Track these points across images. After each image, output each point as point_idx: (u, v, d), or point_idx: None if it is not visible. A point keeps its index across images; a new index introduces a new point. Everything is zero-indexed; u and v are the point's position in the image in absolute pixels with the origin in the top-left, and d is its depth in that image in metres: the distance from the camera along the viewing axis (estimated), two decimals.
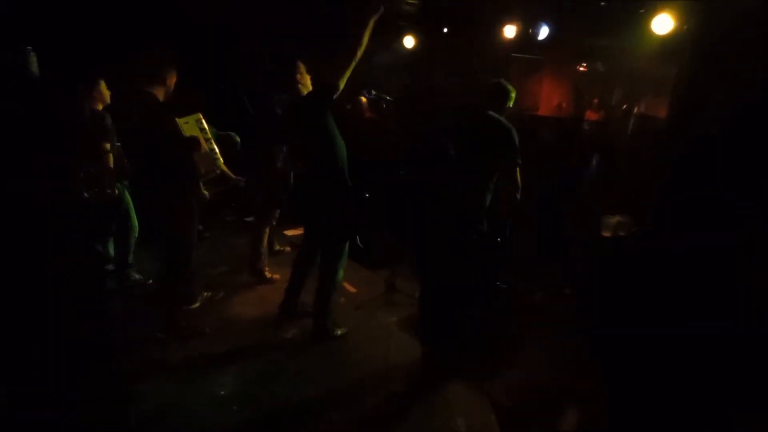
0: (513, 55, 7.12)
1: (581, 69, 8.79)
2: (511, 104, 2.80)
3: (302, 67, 2.97)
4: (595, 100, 8.61)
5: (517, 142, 2.54)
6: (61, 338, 1.79)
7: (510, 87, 2.80)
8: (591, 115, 8.28)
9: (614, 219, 2.90)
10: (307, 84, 2.97)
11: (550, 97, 8.76)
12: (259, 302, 3.74)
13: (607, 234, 2.92)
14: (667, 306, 2.49)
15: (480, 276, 2.75)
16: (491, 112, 2.66)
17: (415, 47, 6.10)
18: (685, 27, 3.62)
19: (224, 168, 3.45)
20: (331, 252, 3.12)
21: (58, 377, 1.81)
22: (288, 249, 4.77)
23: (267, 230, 4.08)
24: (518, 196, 2.55)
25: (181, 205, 2.97)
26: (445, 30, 5.69)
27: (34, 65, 1.88)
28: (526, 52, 7.34)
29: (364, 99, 4.47)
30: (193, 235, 3.11)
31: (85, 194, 2.14)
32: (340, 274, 3.17)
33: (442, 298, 2.89)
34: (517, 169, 2.54)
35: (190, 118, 3.18)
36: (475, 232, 2.67)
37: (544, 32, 5.01)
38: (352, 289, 3.95)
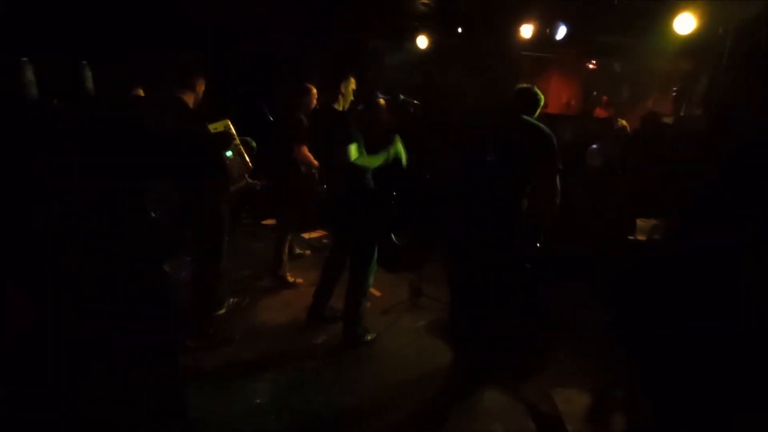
0: (524, 53, 7.11)
1: (591, 66, 8.79)
2: (538, 111, 2.79)
3: (352, 81, 2.97)
4: (604, 98, 8.62)
5: (556, 148, 2.53)
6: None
7: (539, 93, 2.80)
8: (600, 113, 8.28)
9: (649, 222, 2.89)
10: (348, 95, 2.96)
11: (559, 95, 8.75)
12: (284, 307, 3.73)
13: (641, 238, 2.91)
14: (704, 309, 2.49)
15: (517, 281, 2.74)
16: (527, 117, 2.64)
17: (428, 47, 6.08)
18: (715, 27, 3.60)
19: (251, 168, 3.45)
20: (360, 257, 3.11)
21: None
22: (308, 252, 4.76)
23: (290, 236, 4.06)
24: (557, 202, 2.54)
25: (215, 211, 2.95)
26: (460, 30, 5.67)
27: (89, 79, 1.86)
28: (536, 50, 7.33)
29: (382, 101, 4.45)
30: (224, 241, 3.10)
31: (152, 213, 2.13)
32: (370, 279, 3.16)
33: (477, 303, 2.88)
34: (557, 174, 2.53)
35: (219, 124, 3.17)
36: (513, 237, 2.66)
37: (561, 32, 4.99)
38: (377, 293, 3.94)
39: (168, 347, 2.24)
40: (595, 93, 8.83)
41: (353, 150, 2.76)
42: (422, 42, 6.00)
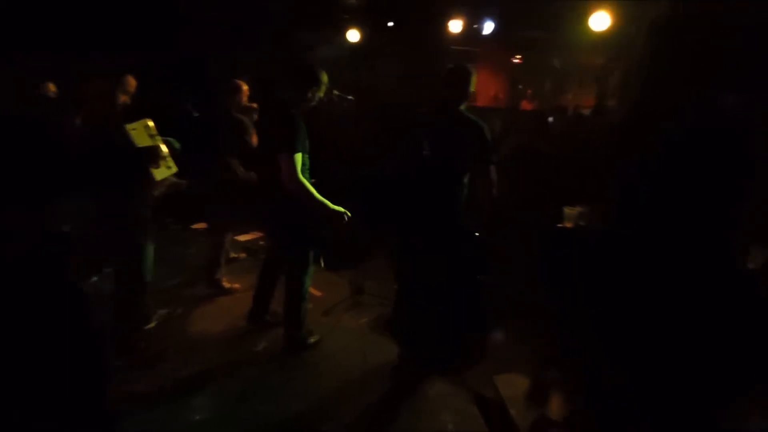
0: (452, 48, 7.24)
1: (516, 61, 9.13)
2: (473, 88, 2.72)
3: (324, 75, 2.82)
4: (529, 91, 8.99)
5: (490, 140, 2.57)
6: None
7: (471, 69, 2.71)
8: (526, 105, 8.64)
9: (575, 210, 3.03)
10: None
11: (487, 88, 9.02)
12: (221, 315, 3.56)
13: (568, 225, 3.05)
14: (626, 296, 2.65)
15: (458, 272, 2.77)
16: (462, 109, 2.65)
17: (360, 42, 6.02)
18: (628, 25, 3.83)
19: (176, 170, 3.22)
20: (298, 259, 3.02)
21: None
22: (243, 255, 4.58)
23: (225, 238, 3.88)
24: (494, 192, 2.58)
25: (136, 218, 2.75)
26: (390, 24, 5.66)
27: None
28: (464, 45, 7.49)
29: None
30: (147, 250, 2.90)
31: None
32: (307, 282, 3.08)
33: (420, 297, 2.89)
34: (492, 166, 2.57)
35: (138, 124, 2.93)
36: (452, 229, 2.68)
37: (489, 27, 5.12)
38: (317, 293, 3.86)
39: (92, 369, 2.06)
40: (520, 86, 9.19)
41: (299, 160, 2.69)
42: (353, 36, 5.93)
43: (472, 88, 2.66)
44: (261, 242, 5.02)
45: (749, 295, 2.39)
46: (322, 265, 3.32)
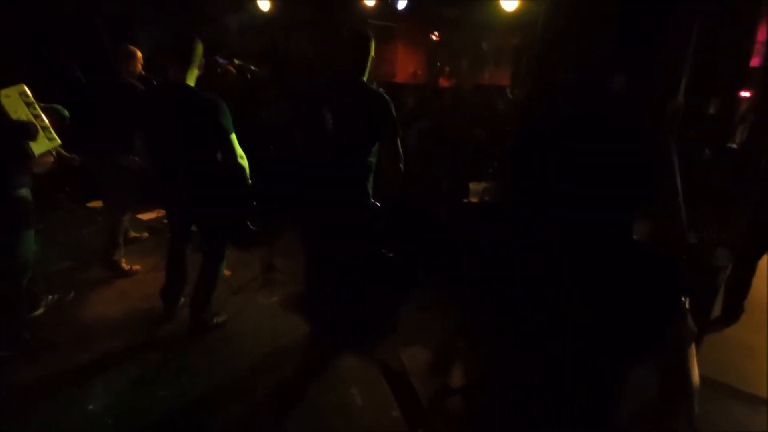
0: (369, 21, 7.17)
1: (434, 38, 9.22)
2: (372, 54, 2.68)
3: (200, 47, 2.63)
4: (447, 68, 9.16)
5: (395, 113, 2.57)
6: None
7: (369, 34, 2.66)
8: (443, 82, 8.80)
9: (480, 185, 3.16)
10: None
11: (405, 65, 9.06)
12: (119, 299, 3.35)
13: (474, 200, 3.18)
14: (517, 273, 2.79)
15: (366, 247, 2.81)
16: (364, 80, 2.61)
17: (271, 10, 5.76)
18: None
19: (60, 149, 2.93)
20: (217, 244, 2.92)
21: None
22: (146, 235, 4.31)
23: (124, 216, 3.62)
24: (401, 167, 2.61)
25: (12, 199, 2.48)
26: None
27: None
28: (382, 20, 7.45)
29: (230, 67, 4.13)
30: (28, 231, 2.64)
31: None
32: (224, 265, 2.99)
33: (328, 273, 2.90)
34: (398, 140, 2.59)
35: (11, 91, 2.61)
36: (360, 204, 2.69)
37: (402, 3, 5.11)
38: (227, 273, 3.73)
39: None
40: (438, 64, 9.32)
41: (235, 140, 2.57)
42: (264, 4, 5.67)
43: (371, 55, 2.60)
44: (165, 220, 4.75)
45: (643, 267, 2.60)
46: (231, 244, 3.22)
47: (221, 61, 5.12)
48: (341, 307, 2.99)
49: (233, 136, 2.58)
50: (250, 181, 2.73)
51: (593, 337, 2.52)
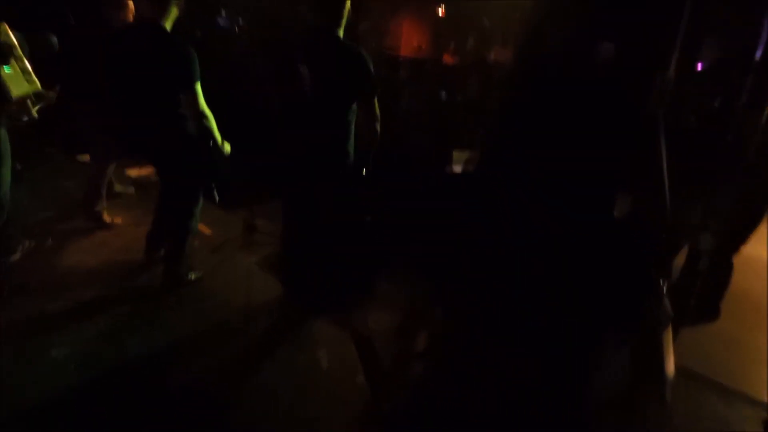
0: None
1: (440, 13, 9.00)
2: (347, 7, 2.52)
3: None
4: (451, 45, 8.95)
5: (373, 71, 2.49)
6: None
7: None
8: (448, 59, 8.62)
9: (464, 153, 3.10)
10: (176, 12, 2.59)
11: (410, 39, 8.86)
12: (97, 249, 3.34)
13: (457, 169, 3.12)
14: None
15: (345, 211, 2.77)
16: (340, 35, 2.51)
17: None
18: None
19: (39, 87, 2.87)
20: (184, 193, 2.88)
21: None
22: (132, 191, 4.28)
23: (109, 167, 3.59)
24: (378, 127, 2.55)
25: None
26: None
27: None
28: None
29: None
30: (4, 169, 2.62)
31: None
32: (197, 216, 2.95)
33: (305, 235, 2.87)
34: (375, 98, 2.52)
35: None
36: (339, 165, 2.64)
37: None
38: (206, 231, 3.72)
39: None
40: (443, 40, 9.12)
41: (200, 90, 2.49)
42: None
43: (346, 8, 2.48)
44: (154, 177, 4.71)
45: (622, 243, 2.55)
46: (216, 200, 3.19)
47: (220, 24, 5.03)
48: (316, 270, 2.97)
49: (198, 86, 2.50)
50: (217, 137, 2.67)
51: (564, 314, 2.49)
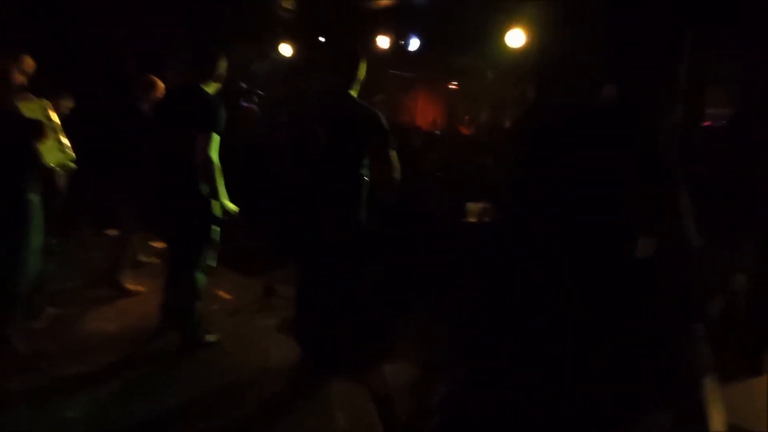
0: (391, 72, 7.47)
1: (452, 87, 9.49)
2: (363, 74, 2.72)
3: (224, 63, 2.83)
4: (467, 117, 9.33)
5: (385, 124, 2.58)
6: None
7: (358, 51, 2.75)
8: (464, 131, 8.95)
9: (478, 206, 3.12)
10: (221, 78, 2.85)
11: (425, 113, 9.29)
12: (118, 316, 3.37)
13: (472, 219, 3.12)
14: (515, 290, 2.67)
15: (359, 268, 2.75)
16: (352, 94, 2.65)
17: (293, 56, 6.08)
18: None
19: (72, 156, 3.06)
20: (187, 254, 2.92)
21: None
22: (156, 260, 4.38)
23: (131, 238, 3.72)
24: (396, 177, 2.59)
25: (23, 198, 2.60)
26: (322, 39, 5.77)
27: None
28: (403, 70, 7.75)
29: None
30: (35, 235, 2.73)
31: None
32: (200, 277, 2.96)
33: (318, 295, 2.84)
34: (389, 149, 2.59)
35: (34, 104, 2.80)
36: (353, 221, 2.67)
37: (414, 44, 5.32)
38: (226, 296, 3.73)
39: None
40: (458, 113, 9.52)
41: (216, 141, 2.63)
42: (286, 50, 5.99)
43: (362, 73, 2.66)
44: None
45: (641, 284, 2.46)
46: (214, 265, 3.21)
47: (244, 104, 5.41)
48: (328, 332, 2.90)
49: (215, 136, 2.63)
50: (219, 187, 2.75)
51: (588, 362, 2.35)
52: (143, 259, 4.24)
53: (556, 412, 2.22)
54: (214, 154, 2.67)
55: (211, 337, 3.04)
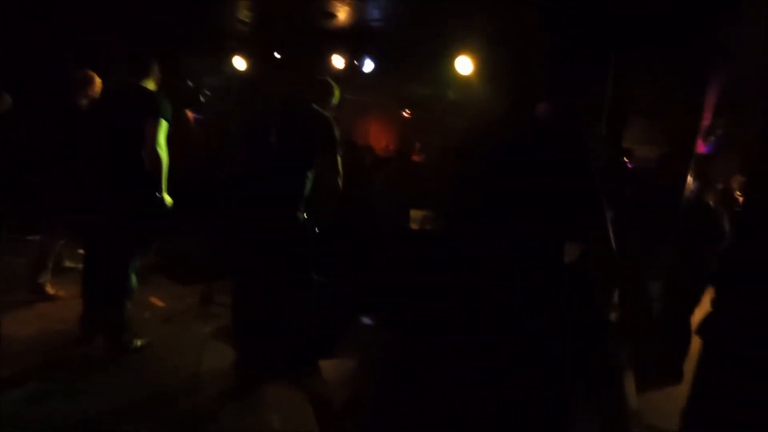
0: (346, 95, 7.57)
1: (406, 115, 9.73)
2: (335, 101, 2.88)
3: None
4: (418, 144, 9.55)
5: (336, 133, 2.62)
6: None
7: (335, 84, 2.89)
8: (415, 157, 9.13)
9: (420, 213, 3.17)
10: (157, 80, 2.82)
11: (378, 138, 9.44)
12: (37, 320, 3.12)
13: (414, 227, 3.17)
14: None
15: (297, 269, 2.71)
16: (314, 105, 2.71)
17: (247, 71, 6.06)
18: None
19: None
20: (122, 253, 2.79)
21: None
22: (81, 266, 4.11)
23: (57, 243, 3.51)
24: (339, 183, 2.61)
25: None
26: (277, 55, 5.80)
27: None
28: (358, 94, 7.89)
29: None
30: None
31: None
32: (134, 278, 2.82)
33: (256, 296, 2.77)
34: (338, 157, 2.62)
35: None
36: (294, 222, 2.64)
37: (368, 65, 5.44)
38: (160, 303, 3.55)
39: None
40: (410, 140, 9.73)
41: (164, 129, 2.59)
42: (240, 63, 5.97)
43: (335, 101, 2.86)
44: None
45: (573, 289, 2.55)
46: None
47: (194, 115, 5.30)
48: (267, 332, 2.81)
49: (164, 124, 2.60)
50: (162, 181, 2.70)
51: (521, 357, 2.40)
52: (69, 264, 3.98)
53: (482, 410, 2.25)
54: (162, 142, 2.62)
55: (140, 342, 2.86)
